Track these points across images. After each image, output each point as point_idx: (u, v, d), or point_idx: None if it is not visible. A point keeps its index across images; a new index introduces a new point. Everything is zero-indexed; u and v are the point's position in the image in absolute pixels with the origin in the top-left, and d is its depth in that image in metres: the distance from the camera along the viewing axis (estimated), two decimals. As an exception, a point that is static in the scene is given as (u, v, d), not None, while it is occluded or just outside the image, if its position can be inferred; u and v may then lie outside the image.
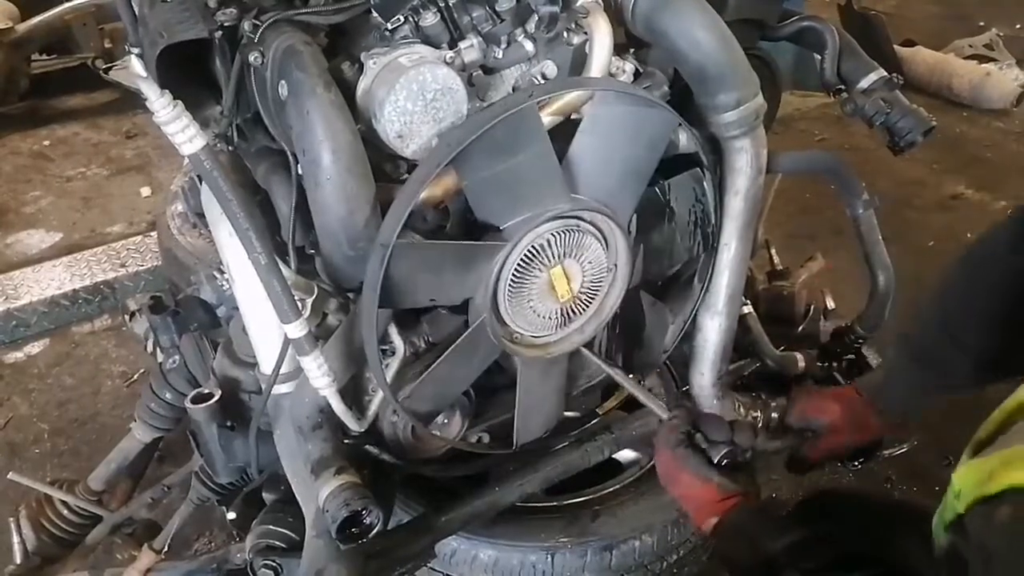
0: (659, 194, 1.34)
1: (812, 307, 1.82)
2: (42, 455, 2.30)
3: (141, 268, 2.87)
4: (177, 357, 1.68)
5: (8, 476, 1.74)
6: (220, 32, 1.16)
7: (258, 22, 1.15)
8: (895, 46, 4.54)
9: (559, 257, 1.23)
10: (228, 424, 1.46)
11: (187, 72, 1.28)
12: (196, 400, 1.45)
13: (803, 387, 1.63)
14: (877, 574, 0.99)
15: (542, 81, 1.26)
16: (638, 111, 1.19)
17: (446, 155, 1.06)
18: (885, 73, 1.49)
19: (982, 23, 5.19)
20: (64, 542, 1.79)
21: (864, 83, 1.49)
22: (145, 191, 3.48)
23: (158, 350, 1.74)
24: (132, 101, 3.92)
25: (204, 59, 1.27)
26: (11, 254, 3.11)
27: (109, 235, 3.17)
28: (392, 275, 1.12)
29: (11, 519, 1.75)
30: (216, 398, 1.44)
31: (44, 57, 4.29)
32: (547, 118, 1.19)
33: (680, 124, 1.26)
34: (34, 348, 2.70)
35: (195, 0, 1.20)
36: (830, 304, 1.98)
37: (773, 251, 2.12)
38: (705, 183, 1.35)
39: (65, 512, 1.79)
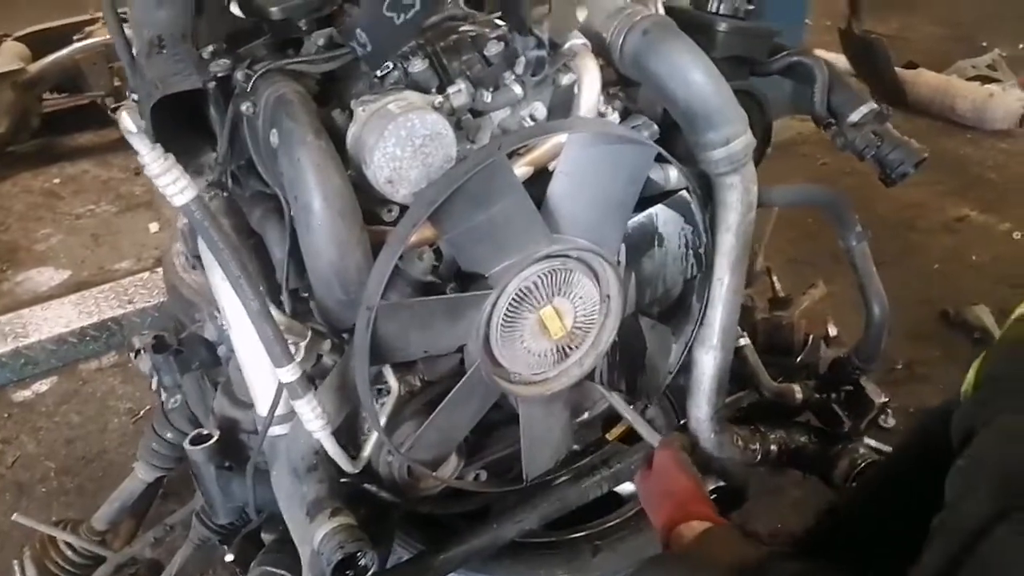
0: (646, 222, 1.35)
1: (811, 337, 1.82)
2: (49, 493, 2.31)
3: (148, 304, 2.90)
4: (179, 396, 1.70)
5: (13, 518, 1.75)
6: (213, 83, 1.18)
7: (250, 72, 1.18)
8: (898, 68, 4.55)
9: (548, 297, 1.24)
10: (227, 465, 1.47)
11: (184, 119, 1.30)
12: (195, 441, 1.46)
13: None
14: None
15: (531, 123, 1.28)
16: (615, 147, 1.20)
17: (421, 215, 1.08)
18: (875, 106, 1.50)
19: (985, 43, 5.19)
20: (68, 583, 1.80)
21: (854, 116, 1.50)
22: (153, 227, 3.51)
23: (161, 389, 1.75)
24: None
25: (200, 106, 1.30)
26: (21, 292, 3.14)
27: (117, 271, 3.20)
28: (381, 334, 1.14)
29: (15, 561, 1.76)
30: (214, 439, 1.45)
31: (55, 96, 4.37)
32: (522, 169, 1.21)
33: (665, 158, 1.27)
34: (42, 386, 2.72)
35: (190, 51, 1.23)
36: (832, 332, 1.98)
37: (775, 278, 2.12)
38: (692, 205, 1.35)
39: (69, 553, 1.80)
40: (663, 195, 1.37)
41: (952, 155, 4.09)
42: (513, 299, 1.21)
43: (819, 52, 4.87)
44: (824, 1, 5.09)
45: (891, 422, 2.45)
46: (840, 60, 4.84)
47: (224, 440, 1.48)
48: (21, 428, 2.54)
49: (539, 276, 1.21)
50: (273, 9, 1.22)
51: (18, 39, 4.32)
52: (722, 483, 1.61)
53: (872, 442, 2.34)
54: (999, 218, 3.53)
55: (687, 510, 1.23)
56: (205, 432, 1.49)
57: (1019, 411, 0.86)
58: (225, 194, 1.34)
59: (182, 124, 1.31)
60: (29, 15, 4.52)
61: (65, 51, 4.10)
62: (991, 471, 0.83)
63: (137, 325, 2.83)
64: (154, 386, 1.75)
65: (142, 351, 1.75)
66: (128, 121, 0.93)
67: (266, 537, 1.52)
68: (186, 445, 1.47)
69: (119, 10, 1.55)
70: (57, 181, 3.96)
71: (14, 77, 4.05)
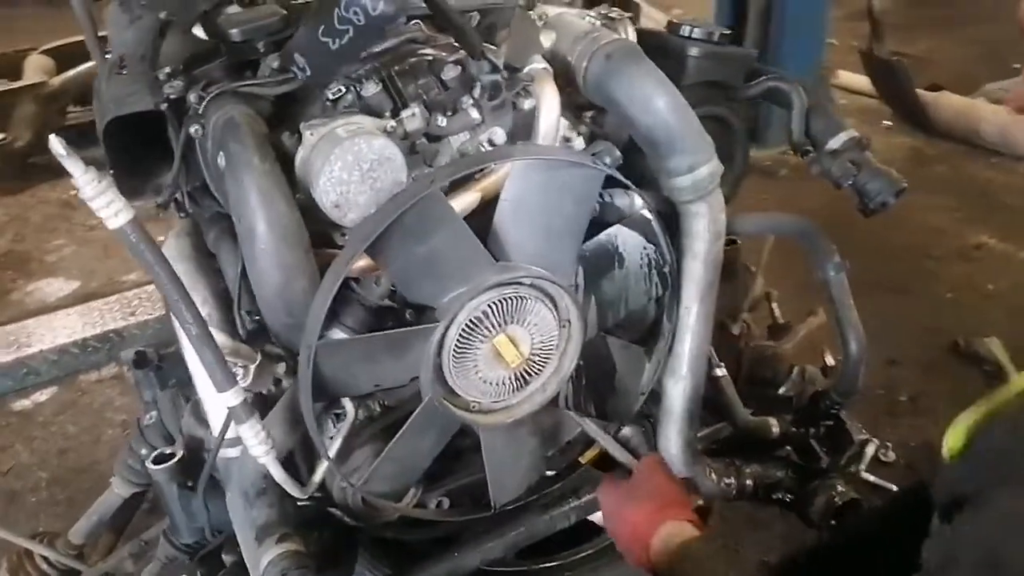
0: (605, 242, 1.32)
1: (795, 368, 1.77)
2: (39, 503, 2.33)
3: (150, 317, 2.92)
4: (154, 413, 1.70)
5: (-10, 531, 1.76)
6: (166, 104, 1.18)
7: (203, 94, 1.18)
8: (920, 91, 4.47)
9: (500, 326, 1.21)
10: (189, 484, 1.47)
11: (149, 138, 1.30)
12: (157, 460, 1.46)
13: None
14: None
15: (489, 147, 1.26)
16: (560, 171, 1.18)
17: (356, 250, 1.07)
18: (855, 133, 1.46)
19: (1017, 65, 5.08)
20: (42, 596, 1.81)
21: (833, 143, 1.46)
22: (162, 239, 3.54)
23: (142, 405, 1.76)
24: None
25: (163, 126, 1.30)
26: (30, 302, 3.19)
27: (124, 283, 3.23)
28: (326, 371, 1.14)
29: (-10, 572, 1.77)
30: (176, 459, 1.45)
31: (78, 108, 4.44)
32: (472, 196, 1.19)
33: (621, 182, 1.25)
34: (41, 396, 2.75)
35: (147, 73, 1.23)
36: (830, 361, 1.93)
37: (775, 305, 2.08)
38: (653, 223, 1.33)
39: (44, 567, 1.81)
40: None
41: (974, 180, 4.00)
42: (463, 329, 1.19)
43: (842, 73, 4.84)
44: (851, 22, 5.03)
45: (891, 456, 2.39)
46: (863, 81, 4.79)
47: (189, 460, 1.48)
48: (17, 437, 2.57)
49: (489, 305, 1.19)
50: (233, 31, 1.23)
51: (43, 52, 4.42)
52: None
53: (871, 477, 2.28)
54: (1018, 246, 3.43)
55: (673, 511, 1.19)
56: (168, 451, 1.49)
57: (1018, 495, 0.81)
58: (182, 215, 1.34)
59: (146, 144, 1.31)
60: (63, 28, 4.60)
61: (87, 65, 4.17)
62: (982, 554, 0.78)
63: (138, 337, 2.85)
64: (144, 400, 1.77)
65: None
66: (58, 145, 0.93)
67: (227, 559, 1.51)
68: (148, 464, 1.47)
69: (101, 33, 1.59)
70: (74, 193, 4.00)
71: (37, 90, 4.15)
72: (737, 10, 4.16)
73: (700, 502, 1.58)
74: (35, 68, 4.31)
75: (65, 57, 4.33)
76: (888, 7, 4.58)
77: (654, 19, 1.93)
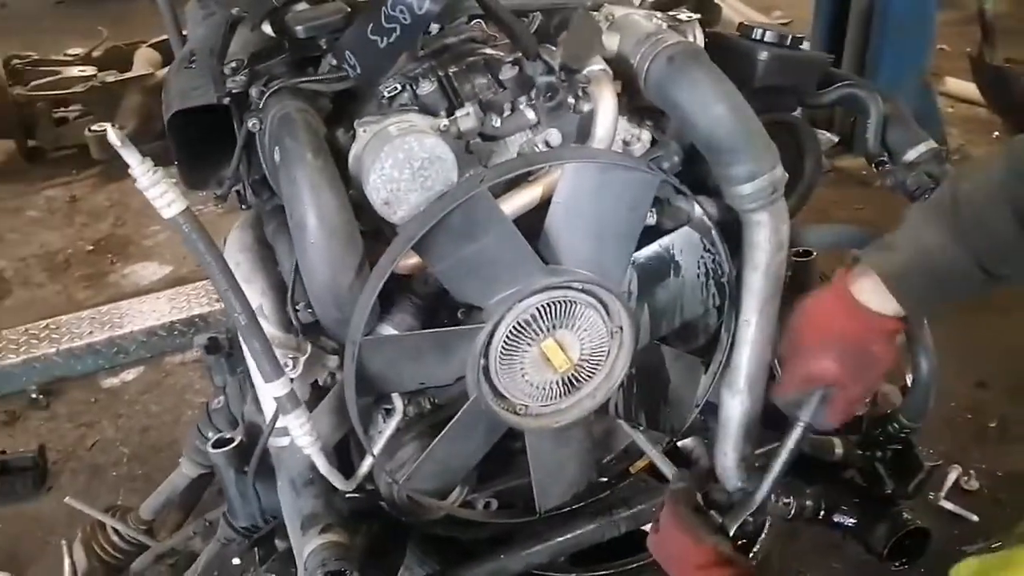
0: (661, 251, 1.30)
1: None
2: (119, 478, 2.44)
3: (233, 303, 3.01)
4: (222, 397, 1.76)
5: (65, 500, 1.86)
6: (228, 98, 1.21)
7: (264, 89, 1.20)
8: (1034, 100, 4.22)
9: (548, 330, 1.20)
10: (246, 470, 1.50)
11: (215, 131, 1.34)
12: (217, 444, 1.50)
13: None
14: None
15: (544, 148, 1.25)
16: (614, 175, 1.16)
17: (401, 250, 1.07)
18: (935, 144, 1.38)
19: None
20: (111, 568, 1.89)
21: (910, 155, 1.38)
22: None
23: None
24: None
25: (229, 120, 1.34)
26: (125, 284, 3.36)
27: (212, 271, 3.36)
28: (371, 367, 1.15)
29: (63, 541, 1.86)
30: (235, 444, 1.49)
31: (181, 101, 4.63)
32: (536, 191, 1.18)
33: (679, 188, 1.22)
34: (129, 375, 2.89)
35: (213, 66, 1.27)
36: (910, 380, 1.84)
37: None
38: (713, 232, 1.29)
39: (115, 539, 1.89)
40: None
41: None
42: (511, 332, 1.18)
43: (951, 80, 4.59)
44: (966, 26, 4.79)
45: (974, 484, 2.26)
46: (973, 89, 4.55)
47: (248, 445, 1.52)
48: (104, 413, 2.70)
49: (537, 308, 1.18)
50: (298, 28, 1.25)
51: (151, 45, 4.64)
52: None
53: (950, 505, 2.17)
54: None
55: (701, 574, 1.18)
56: (228, 436, 1.53)
57: None
58: (244, 207, 1.37)
59: (213, 136, 1.35)
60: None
61: (191, 58, 4.34)
62: None
63: (221, 323, 2.95)
64: (220, 384, 1.83)
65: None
66: (114, 136, 0.96)
67: (280, 544, 1.55)
68: (208, 448, 1.52)
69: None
70: (173, 181, 4.17)
71: (144, 81, 4.35)
72: (837, 11, 4.02)
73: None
74: (143, 61, 4.53)
75: (171, 51, 4.52)
76: (1005, 11, 4.34)
77: (750, 20, 1.87)
